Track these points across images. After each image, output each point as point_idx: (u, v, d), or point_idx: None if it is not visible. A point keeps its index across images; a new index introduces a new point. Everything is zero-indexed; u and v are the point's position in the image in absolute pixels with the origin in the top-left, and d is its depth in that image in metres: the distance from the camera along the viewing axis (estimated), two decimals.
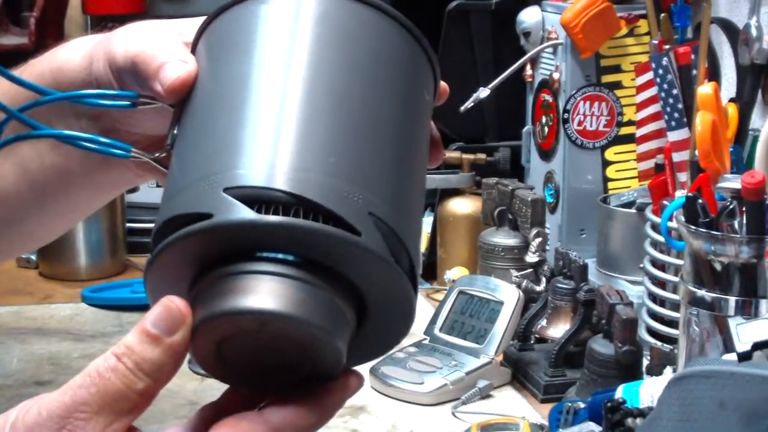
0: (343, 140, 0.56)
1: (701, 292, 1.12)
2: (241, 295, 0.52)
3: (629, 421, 1.06)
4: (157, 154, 0.63)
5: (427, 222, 1.87)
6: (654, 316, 1.38)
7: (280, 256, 0.53)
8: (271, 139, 0.55)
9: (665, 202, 1.34)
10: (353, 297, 0.56)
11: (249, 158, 0.55)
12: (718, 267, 1.11)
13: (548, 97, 1.69)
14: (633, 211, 1.52)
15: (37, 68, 0.74)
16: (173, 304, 0.53)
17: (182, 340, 0.54)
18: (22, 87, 0.63)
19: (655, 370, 1.28)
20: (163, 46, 0.67)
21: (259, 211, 0.53)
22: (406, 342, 1.49)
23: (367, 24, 0.60)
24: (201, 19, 0.68)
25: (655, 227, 1.37)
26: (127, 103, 0.65)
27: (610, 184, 1.67)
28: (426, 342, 1.44)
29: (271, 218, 0.53)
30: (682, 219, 1.13)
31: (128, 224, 1.92)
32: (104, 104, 0.65)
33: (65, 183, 0.76)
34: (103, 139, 0.62)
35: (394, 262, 0.56)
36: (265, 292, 0.53)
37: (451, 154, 1.77)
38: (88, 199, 0.80)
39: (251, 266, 0.53)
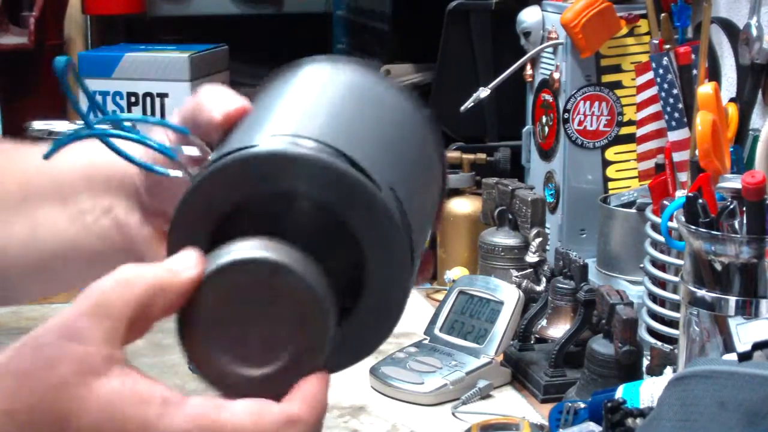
0: (369, 139, 0.60)
1: (701, 292, 1.12)
2: (256, 248, 0.55)
3: (629, 421, 1.06)
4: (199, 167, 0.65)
5: None
6: (654, 316, 1.38)
7: (297, 190, 0.56)
8: (305, 115, 0.61)
9: (665, 202, 1.34)
10: (351, 282, 0.58)
11: (283, 125, 0.60)
12: (718, 267, 1.11)
13: (548, 97, 1.69)
14: (633, 211, 1.52)
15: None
16: (192, 251, 0.57)
17: (194, 275, 0.56)
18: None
19: (656, 370, 1.28)
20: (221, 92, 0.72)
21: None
22: (406, 342, 1.48)
23: (389, 87, 0.67)
24: None
25: (655, 227, 1.36)
26: (173, 154, 0.66)
27: (611, 184, 1.67)
28: (426, 342, 1.44)
29: (307, 150, 0.56)
30: (683, 219, 1.13)
31: None
32: (154, 146, 0.66)
33: (70, 255, 0.76)
34: (153, 143, 0.65)
35: (405, 232, 0.57)
36: (278, 249, 0.55)
37: (451, 154, 1.77)
38: (88, 275, 0.80)
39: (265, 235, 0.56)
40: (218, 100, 0.69)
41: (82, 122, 0.63)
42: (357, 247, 0.57)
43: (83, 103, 0.66)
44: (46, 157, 0.63)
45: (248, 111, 0.67)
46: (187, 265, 0.56)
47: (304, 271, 0.55)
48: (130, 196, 0.74)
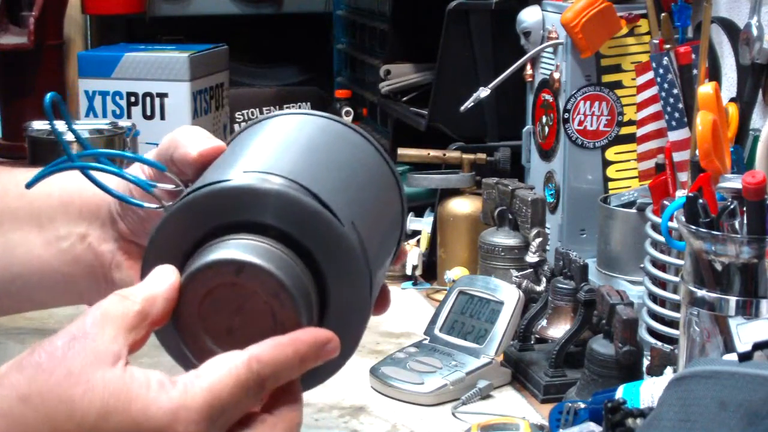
0: (334, 179, 0.67)
1: (702, 293, 1.12)
2: (222, 251, 0.61)
3: (629, 421, 1.06)
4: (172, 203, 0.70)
5: (427, 222, 1.87)
6: (654, 316, 1.38)
7: (265, 222, 0.62)
8: (274, 156, 0.67)
9: (666, 202, 1.33)
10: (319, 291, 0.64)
11: (255, 163, 0.66)
12: (718, 267, 1.11)
13: (548, 97, 1.69)
14: (633, 211, 1.52)
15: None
16: (166, 266, 0.65)
17: (175, 283, 0.63)
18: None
19: (656, 371, 1.28)
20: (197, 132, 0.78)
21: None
22: (406, 342, 1.48)
23: (356, 133, 0.74)
24: None
25: (655, 227, 1.36)
26: (149, 188, 0.72)
27: (611, 184, 1.67)
28: (426, 342, 1.44)
29: (275, 186, 0.62)
30: (683, 219, 1.13)
31: None
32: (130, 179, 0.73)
33: (44, 277, 0.82)
34: (130, 176, 0.72)
35: (365, 265, 0.63)
36: (242, 248, 0.61)
37: (451, 154, 1.77)
38: (60, 296, 0.86)
39: (237, 235, 0.61)
40: (194, 139, 0.75)
41: (65, 155, 0.69)
42: (320, 275, 0.63)
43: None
44: (29, 186, 0.70)
45: (223, 150, 0.74)
46: (166, 274, 0.64)
47: (269, 262, 0.60)
48: (104, 225, 0.80)
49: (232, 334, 0.63)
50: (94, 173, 0.70)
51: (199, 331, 0.63)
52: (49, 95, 0.68)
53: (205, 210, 0.63)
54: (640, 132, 1.57)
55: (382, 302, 0.74)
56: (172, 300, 0.63)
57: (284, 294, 0.61)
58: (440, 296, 1.59)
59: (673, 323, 1.31)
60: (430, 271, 1.79)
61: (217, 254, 0.61)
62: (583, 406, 1.15)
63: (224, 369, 0.61)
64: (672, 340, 1.31)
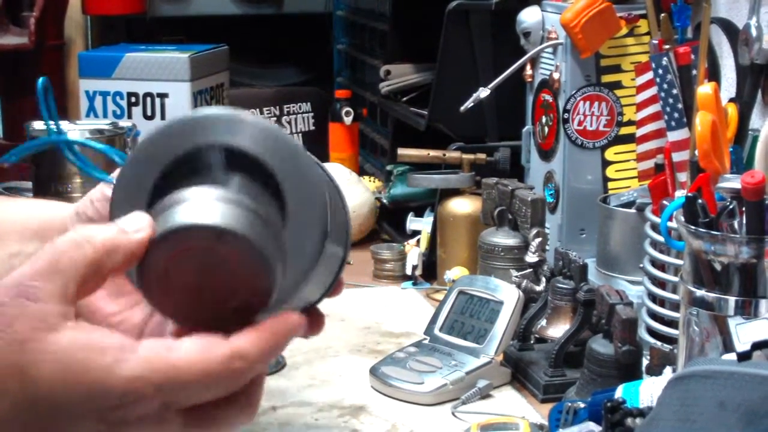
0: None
1: (701, 292, 1.12)
2: (201, 213, 0.59)
3: (629, 421, 1.07)
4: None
5: (427, 222, 1.87)
6: (654, 316, 1.38)
7: (240, 145, 0.63)
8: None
9: (665, 202, 1.34)
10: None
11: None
12: (717, 267, 1.11)
13: (548, 97, 1.70)
14: (633, 211, 1.52)
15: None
16: (143, 213, 0.61)
17: (143, 237, 0.60)
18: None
19: (655, 370, 1.28)
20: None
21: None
22: (406, 342, 1.49)
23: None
24: None
25: (654, 227, 1.37)
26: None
27: (610, 184, 1.67)
28: (426, 342, 1.44)
29: (247, 115, 0.63)
30: (682, 219, 1.14)
31: None
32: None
33: None
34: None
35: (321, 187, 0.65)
36: (221, 212, 0.59)
37: (451, 154, 1.77)
38: None
39: (210, 188, 0.61)
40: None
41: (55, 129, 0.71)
42: (279, 193, 0.64)
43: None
44: (13, 161, 0.71)
45: None
46: (138, 226, 0.60)
47: (250, 232, 0.59)
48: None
49: (199, 293, 0.61)
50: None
51: (161, 286, 0.61)
52: (41, 79, 0.69)
53: (181, 132, 0.63)
54: (640, 132, 1.57)
55: (316, 322, 0.73)
56: (136, 256, 0.60)
57: (261, 265, 0.60)
58: (440, 296, 1.59)
59: (672, 323, 1.31)
60: (430, 271, 1.79)
61: (197, 216, 0.59)
62: (582, 405, 1.16)
63: (200, 355, 0.59)
64: (671, 340, 1.31)
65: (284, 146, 0.64)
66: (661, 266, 1.37)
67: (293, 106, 2.53)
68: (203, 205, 0.60)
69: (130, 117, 2.08)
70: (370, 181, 2.17)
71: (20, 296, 0.58)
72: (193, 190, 0.61)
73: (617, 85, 1.66)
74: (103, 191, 0.79)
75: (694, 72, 1.44)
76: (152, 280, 0.61)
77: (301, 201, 0.64)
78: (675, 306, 1.31)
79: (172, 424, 0.60)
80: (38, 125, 1.92)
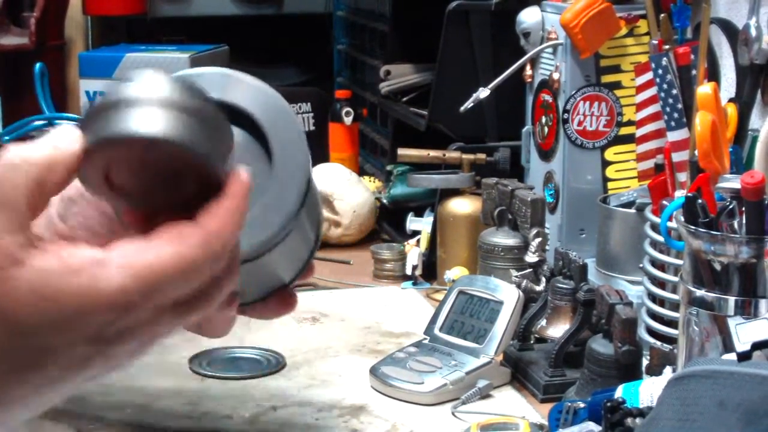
0: None
1: (701, 292, 1.12)
2: (126, 121, 0.58)
3: (629, 420, 1.07)
4: None
5: (427, 222, 1.87)
6: (654, 315, 1.38)
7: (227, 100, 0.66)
8: None
9: (665, 202, 1.34)
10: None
11: None
12: (717, 267, 1.11)
13: (548, 97, 1.70)
14: (633, 211, 1.52)
15: None
16: (71, 126, 0.59)
17: (76, 146, 0.58)
18: None
19: (655, 370, 1.28)
20: None
21: None
22: (406, 342, 1.49)
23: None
24: None
25: (654, 227, 1.37)
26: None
27: (610, 184, 1.68)
28: (426, 342, 1.44)
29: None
30: (682, 219, 1.14)
31: None
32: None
33: None
34: None
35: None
36: (148, 118, 0.58)
37: (451, 154, 1.77)
38: None
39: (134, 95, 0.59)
40: None
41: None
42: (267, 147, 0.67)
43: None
44: (7, 141, 0.69)
45: None
46: (68, 140, 0.58)
47: (174, 133, 0.58)
48: (41, 224, 0.78)
49: (148, 186, 0.61)
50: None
51: (109, 186, 0.61)
52: (38, 65, 0.72)
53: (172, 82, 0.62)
54: (640, 132, 1.57)
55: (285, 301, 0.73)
56: (74, 168, 0.59)
57: (194, 156, 0.59)
58: (440, 296, 1.59)
59: (672, 323, 1.31)
60: (430, 271, 1.79)
61: (121, 126, 0.58)
62: (582, 405, 1.16)
63: (176, 248, 0.58)
64: (671, 340, 1.31)
65: (274, 105, 0.66)
66: (661, 266, 1.37)
67: (293, 106, 2.53)
68: (128, 112, 0.59)
69: None
70: (370, 181, 2.17)
71: None
72: (127, 90, 0.59)
73: (617, 85, 1.66)
74: None
75: (694, 72, 1.44)
76: (96, 184, 0.61)
77: (285, 156, 0.66)
78: (675, 306, 1.31)
79: (164, 320, 0.59)
80: (38, 124, 1.93)
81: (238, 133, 0.64)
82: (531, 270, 1.50)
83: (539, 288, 1.46)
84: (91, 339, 0.56)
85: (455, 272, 1.65)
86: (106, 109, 0.59)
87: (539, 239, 1.52)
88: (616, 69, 1.66)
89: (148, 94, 0.59)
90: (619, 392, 1.13)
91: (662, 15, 1.48)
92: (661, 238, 1.31)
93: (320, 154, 2.30)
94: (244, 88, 0.66)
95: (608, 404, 1.08)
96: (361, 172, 2.25)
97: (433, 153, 1.79)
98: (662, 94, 1.46)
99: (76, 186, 0.75)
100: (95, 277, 0.56)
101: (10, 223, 0.56)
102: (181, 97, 0.59)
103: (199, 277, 0.59)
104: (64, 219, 0.78)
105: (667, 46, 1.47)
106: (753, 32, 1.47)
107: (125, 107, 0.58)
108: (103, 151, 0.59)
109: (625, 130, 1.67)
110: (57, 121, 0.75)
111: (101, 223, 0.76)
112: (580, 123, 1.66)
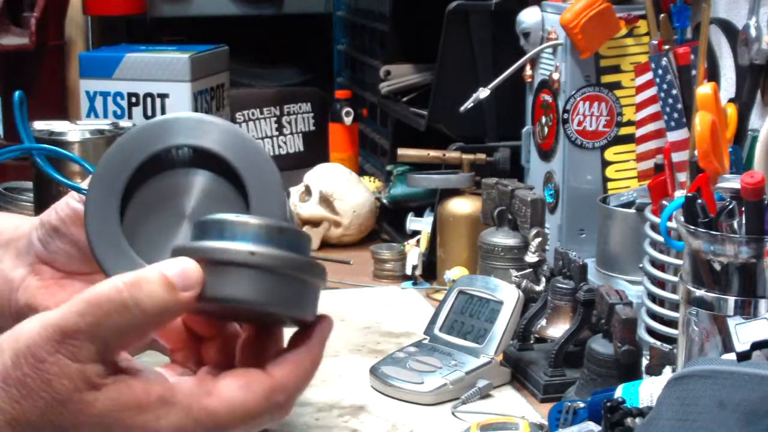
0: None
1: (700, 292, 1.12)
2: (236, 286, 0.60)
3: (628, 420, 1.07)
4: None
5: (427, 222, 1.87)
6: (653, 315, 1.38)
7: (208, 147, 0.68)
8: None
9: (665, 202, 1.34)
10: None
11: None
12: (717, 267, 1.11)
13: (548, 98, 1.70)
14: (632, 211, 1.52)
15: None
16: (194, 266, 0.60)
17: (191, 298, 0.59)
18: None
19: (655, 370, 1.28)
20: None
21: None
22: (406, 342, 1.49)
23: None
24: None
25: (654, 227, 1.37)
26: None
27: (610, 184, 1.68)
28: (426, 342, 1.44)
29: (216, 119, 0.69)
30: (682, 219, 1.14)
31: None
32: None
33: None
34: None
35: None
36: (250, 284, 0.61)
37: (451, 154, 1.77)
38: None
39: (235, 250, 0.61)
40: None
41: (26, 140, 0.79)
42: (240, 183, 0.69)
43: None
44: None
45: None
46: (188, 283, 0.60)
47: (289, 304, 0.63)
48: (20, 254, 0.84)
49: (237, 320, 0.65)
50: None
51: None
52: (17, 93, 0.79)
53: (150, 134, 0.68)
54: (639, 132, 1.57)
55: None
56: (177, 322, 0.63)
57: (295, 318, 0.64)
58: (440, 296, 1.59)
59: (672, 323, 1.31)
60: (430, 271, 1.79)
61: (239, 290, 0.61)
62: (582, 405, 1.16)
63: (241, 395, 0.60)
64: (671, 340, 1.31)
65: (247, 147, 0.68)
66: (661, 266, 1.37)
67: (293, 107, 2.53)
68: (240, 273, 0.60)
69: (130, 117, 2.08)
70: (370, 181, 2.17)
71: (61, 353, 0.58)
72: (234, 244, 0.61)
73: (617, 85, 1.66)
74: (68, 201, 0.82)
75: (694, 72, 1.44)
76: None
77: (262, 199, 0.68)
78: (674, 306, 1.31)
79: None
80: (39, 125, 1.92)
81: (213, 178, 0.69)
82: (531, 270, 1.50)
83: (539, 288, 1.47)
84: None
85: (455, 272, 1.65)
86: (213, 258, 0.60)
87: (539, 239, 1.52)
88: (616, 69, 1.66)
89: (259, 249, 0.61)
90: (619, 392, 1.14)
91: (662, 15, 1.48)
92: (660, 238, 1.31)
93: (320, 154, 2.30)
94: (218, 132, 0.68)
95: (608, 404, 1.08)
96: (361, 172, 2.25)
97: (433, 153, 1.79)
98: (662, 95, 1.46)
99: (60, 217, 0.80)
100: (158, 417, 0.58)
101: (99, 353, 0.58)
102: (289, 258, 0.62)
103: (259, 426, 0.61)
104: (45, 244, 0.83)
105: (667, 46, 1.47)
106: (753, 32, 1.47)
107: (236, 268, 0.60)
108: (211, 304, 0.61)
109: (624, 130, 1.67)
110: (35, 152, 0.81)
111: (79, 253, 0.81)
112: (580, 123, 1.66)
